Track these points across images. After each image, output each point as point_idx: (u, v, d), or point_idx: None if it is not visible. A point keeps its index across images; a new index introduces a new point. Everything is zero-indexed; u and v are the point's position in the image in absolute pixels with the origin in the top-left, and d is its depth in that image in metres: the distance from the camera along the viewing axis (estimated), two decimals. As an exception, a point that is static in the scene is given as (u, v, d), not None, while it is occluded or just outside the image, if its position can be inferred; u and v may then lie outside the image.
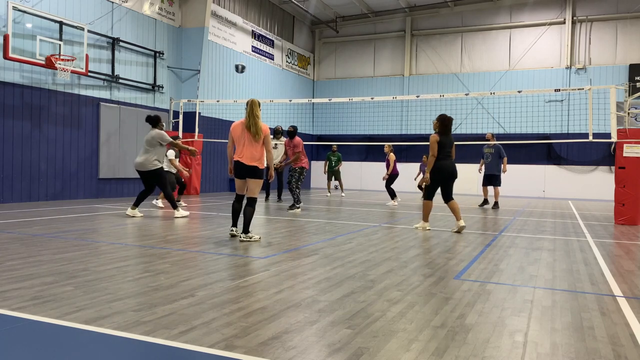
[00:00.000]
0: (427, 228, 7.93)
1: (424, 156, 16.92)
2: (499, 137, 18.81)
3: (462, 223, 7.78)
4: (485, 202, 13.06)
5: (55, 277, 4.03)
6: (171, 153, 10.10)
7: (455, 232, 7.68)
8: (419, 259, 5.27)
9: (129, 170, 13.45)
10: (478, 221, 9.46)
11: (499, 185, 12.75)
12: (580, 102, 17.99)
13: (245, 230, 6.24)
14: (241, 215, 6.41)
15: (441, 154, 7.73)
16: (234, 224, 6.54)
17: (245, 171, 6.31)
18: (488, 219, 9.99)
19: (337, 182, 17.56)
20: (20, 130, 10.75)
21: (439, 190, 7.99)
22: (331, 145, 17.82)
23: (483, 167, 13.05)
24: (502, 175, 13.02)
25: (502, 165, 12.61)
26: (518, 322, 3.16)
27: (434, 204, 8.25)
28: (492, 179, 12.74)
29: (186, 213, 8.76)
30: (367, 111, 21.34)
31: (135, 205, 8.57)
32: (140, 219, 8.29)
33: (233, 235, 6.46)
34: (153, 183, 8.54)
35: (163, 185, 8.54)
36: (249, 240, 6.17)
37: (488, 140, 12.84)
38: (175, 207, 8.60)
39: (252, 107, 6.31)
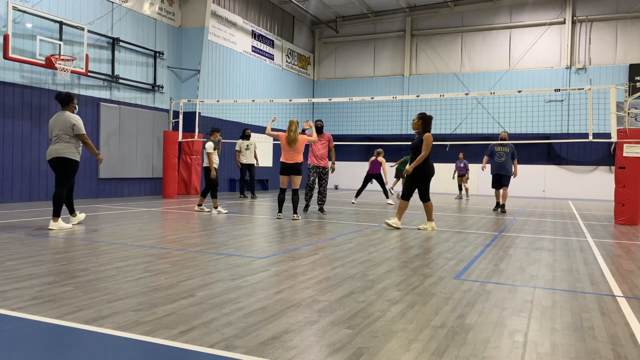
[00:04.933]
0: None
1: (461, 153, 16.90)
2: (498, 137, 18.80)
3: (433, 225, 7.87)
4: (499, 205, 11.82)
5: (55, 277, 4.03)
6: (210, 146, 9.59)
7: (421, 229, 7.83)
8: (419, 259, 5.27)
9: (129, 170, 13.46)
10: (478, 221, 9.46)
11: (507, 186, 11.76)
12: (580, 102, 17.99)
13: (295, 211, 8.99)
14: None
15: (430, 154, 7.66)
16: (280, 211, 8.98)
17: (289, 169, 8.84)
18: (488, 219, 9.99)
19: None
20: (20, 130, 10.75)
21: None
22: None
23: (487, 166, 12.13)
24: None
25: (514, 167, 11.65)
26: (518, 322, 3.16)
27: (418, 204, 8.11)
28: (503, 179, 11.71)
29: (69, 225, 6.98)
30: (367, 111, 21.34)
31: (71, 211, 7.31)
32: (76, 226, 7.17)
33: (279, 219, 8.69)
34: (57, 173, 6.99)
35: (64, 181, 6.97)
36: (297, 218, 8.76)
37: (504, 139, 11.77)
38: (58, 215, 6.81)
39: (290, 127, 8.76)
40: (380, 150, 13.98)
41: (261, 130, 18.55)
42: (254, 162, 14.26)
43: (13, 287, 3.66)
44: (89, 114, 12.38)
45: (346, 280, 4.20)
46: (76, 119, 7.02)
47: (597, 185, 18.34)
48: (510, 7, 20.04)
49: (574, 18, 19.06)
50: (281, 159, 8.94)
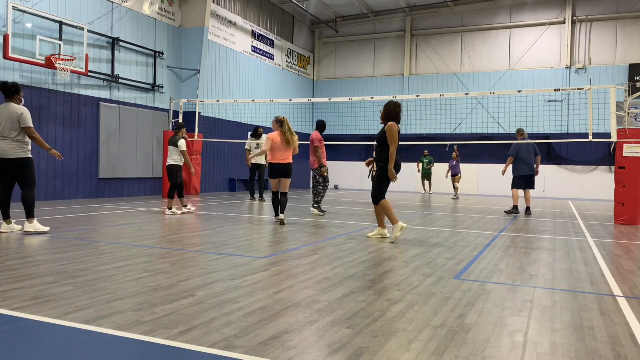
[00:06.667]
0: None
1: (454, 152, 16.84)
2: (499, 137, 18.82)
3: (386, 232, 6.80)
4: (516, 209, 11.13)
5: (55, 277, 4.03)
6: (183, 143, 9.21)
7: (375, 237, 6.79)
8: (419, 259, 5.27)
9: (129, 170, 13.46)
10: (478, 221, 9.46)
11: (512, 187, 11.15)
12: (580, 102, 18.00)
13: (282, 211, 8.24)
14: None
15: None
16: (277, 214, 8.34)
17: (281, 171, 8.19)
18: (488, 219, 9.98)
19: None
20: (20, 130, 10.75)
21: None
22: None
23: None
24: (502, 176, 11.88)
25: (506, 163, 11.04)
26: (518, 322, 3.16)
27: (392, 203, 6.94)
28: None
29: (47, 228, 6.60)
30: (367, 111, 21.33)
31: (6, 217, 6.59)
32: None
33: (279, 221, 8.17)
34: (19, 176, 6.47)
35: (31, 182, 6.53)
36: (283, 219, 8.12)
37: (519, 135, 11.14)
38: (33, 216, 6.51)
39: (287, 126, 8.23)
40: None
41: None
42: (265, 162, 13.38)
43: (13, 287, 3.66)
44: (89, 114, 12.38)
45: (346, 280, 4.19)
46: (24, 110, 6.39)
47: (597, 185, 18.34)
48: (510, 7, 20.04)
49: (574, 18, 19.06)
50: (271, 160, 8.20)
